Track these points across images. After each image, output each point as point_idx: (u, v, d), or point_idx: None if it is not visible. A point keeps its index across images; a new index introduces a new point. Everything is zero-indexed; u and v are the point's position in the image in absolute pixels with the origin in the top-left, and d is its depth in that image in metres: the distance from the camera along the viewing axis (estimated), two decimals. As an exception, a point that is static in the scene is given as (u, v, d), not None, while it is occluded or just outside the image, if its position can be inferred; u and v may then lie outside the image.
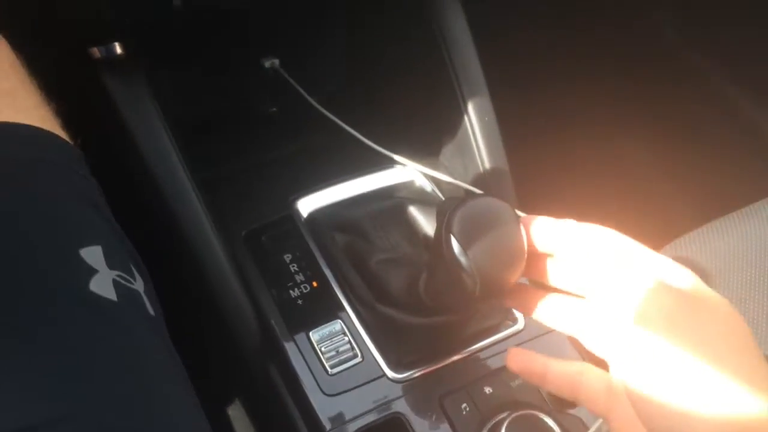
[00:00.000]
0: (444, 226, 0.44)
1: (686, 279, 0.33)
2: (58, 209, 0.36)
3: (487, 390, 0.51)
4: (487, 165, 0.64)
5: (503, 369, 0.52)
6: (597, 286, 0.36)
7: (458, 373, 0.52)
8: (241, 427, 0.76)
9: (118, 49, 0.56)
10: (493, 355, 0.53)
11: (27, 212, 0.34)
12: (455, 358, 0.53)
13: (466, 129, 0.65)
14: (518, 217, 0.43)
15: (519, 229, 0.42)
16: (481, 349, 0.54)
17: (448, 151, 0.69)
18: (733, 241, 0.66)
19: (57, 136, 0.39)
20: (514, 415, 0.47)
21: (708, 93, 1.07)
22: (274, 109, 0.78)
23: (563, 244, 0.38)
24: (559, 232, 0.38)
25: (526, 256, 0.42)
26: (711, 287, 0.58)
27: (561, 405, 0.51)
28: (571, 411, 0.50)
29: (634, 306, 0.32)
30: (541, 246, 0.39)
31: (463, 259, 0.42)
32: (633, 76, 1.12)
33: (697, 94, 1.07)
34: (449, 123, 0.67)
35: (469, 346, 0.53)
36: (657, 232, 0.73)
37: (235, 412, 0.76)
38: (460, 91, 0.65)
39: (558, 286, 0.40)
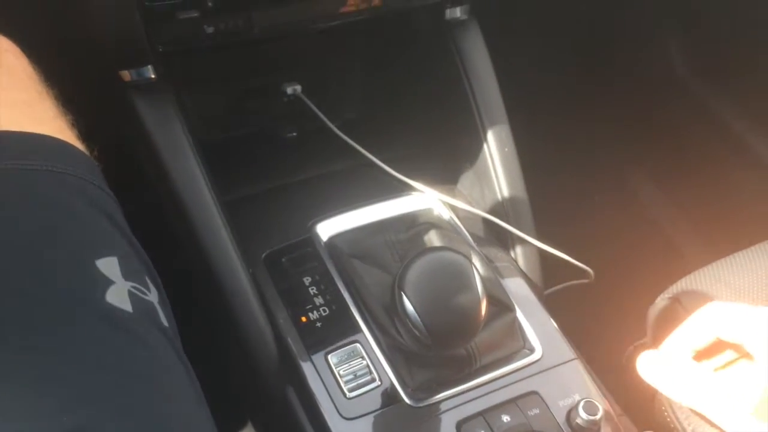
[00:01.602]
0: (396, 281, 0.47)
1: None
2: (75, 220, 0.36)
3: (505, 418, 0.51)
4: (506, 194, 0.65)
5: (521, 397, 0.52)
6: None
7: (476, 400, 0.52)
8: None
9: (152, 73, 0.57)
10: (512, 384, 0.53)
11: (45, 222, 0.34)
12: (473, 384, 0.53)
13: (486, 158, 0.66)
14: (474, 269, 0.45)
15: (474, 283, 0.45)
16: (499, 377, 0.54)
17: (466, 180, 0.70)
18: (746, 276, 0.66)
19: (73, 147, 0.39)
20: (531, 443, 0.47)
21: (719, 130, 1.08)
22: (294, 133, 0.79)
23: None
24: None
25: (483, 309, 0.45)
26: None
27: (578, 435, 0.51)
28: (589, 442, 0.51)
29: None
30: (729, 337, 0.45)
31: (413, 317, 0.45)
32: (645, 113, 1.13)
33: (709, 131, 1.08)
34: (469, 152, 0.68)
35: (487, 374, 0.54)
36: (668, 268, 0.74)
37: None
38: (480, 120, 0.66)
39: None
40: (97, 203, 0.38)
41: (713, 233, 1.04)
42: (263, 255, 0.61)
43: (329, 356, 0.54)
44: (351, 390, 0.52)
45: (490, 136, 0.67)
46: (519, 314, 0.58)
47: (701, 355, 0.49)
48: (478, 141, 0.67)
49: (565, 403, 0.52)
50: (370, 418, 0.51)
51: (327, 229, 0.63)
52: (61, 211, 0.36)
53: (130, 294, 0.35)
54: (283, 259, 0.61)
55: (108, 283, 0.34)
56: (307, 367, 0.53)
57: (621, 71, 1.14)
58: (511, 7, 0.94)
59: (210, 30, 0.57)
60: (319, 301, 0.58)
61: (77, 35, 0.57)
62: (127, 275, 0.36)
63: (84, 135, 0.43)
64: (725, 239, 0.78)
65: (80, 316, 0.33)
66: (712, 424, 0.50)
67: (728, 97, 1.06)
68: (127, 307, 0.35)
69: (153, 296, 0.38)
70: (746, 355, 0.46)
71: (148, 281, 0.38)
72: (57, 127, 0.40)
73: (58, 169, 0.37)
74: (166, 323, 0.37)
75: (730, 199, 1.04)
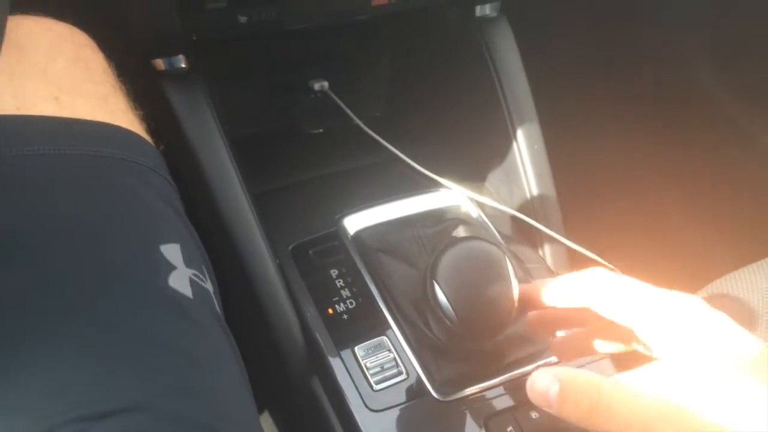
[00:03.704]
0: (428, 270, 0.46)
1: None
2: (142, 206, 0.37)
3: (533, 415, 0.50)
4: (535, 192, 0.65)
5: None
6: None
7: (503, 396, 0.52)
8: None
9: (183, 63, 0.58)
10: (540, 380, 0.53)
11: (114, 206, 0.35)
12: (501, 380, 0.52)
13: (515, 156, 0.66)
14: (507, 259, 0.44)
15: (508, 274, 0.44)
16: (528, 373, 0.53)
17: (494, 177, 0.70)
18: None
19: (144, 139, 0.41)
20: (561, 441, 0.47)
21: (744, 138, 1.06)
22: (321, 130, 0.80)
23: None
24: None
25: (515, 300, 0.44)
26: (757, 325, 0.57)
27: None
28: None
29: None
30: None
31: (444, 306, 0.44)
32: (668, 119, 1.12)
33: (733, 138, 1.07)
34: (497, 149, 0.68)
35: (516, 370, 0.53)
36: (694, 276, 0.73)
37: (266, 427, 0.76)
38: (510, 118, 0.66)
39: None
40: (162, 193, 0.40)
41: (738, 242, 1.02)
42: (290, 247, 0.61)
43: (356, 348, 0.53)
44: (378, 382, 0.52)
45: (520, 133, 0.66)
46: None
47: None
48: (507, 139, 0.67)
49: (595, 401, 0.51)
50: (397, 411, 0.50)
51: (354, 222, 0.63)
52: (130, 196, 0.37)
53: (191, 281, 0.36)
54: (310, 252, 0.61)
55: (171, 268, 0.35)
56: (333, 358, 0.53)
57: (646, 79, 1.14)
58: (540, 7, 0.93)
59: (243, 20, 0.57)
60: (345, 293, 0.57)
61: (109, 22, 0.57)
62: (188, 263, 0.37)
63: (152, 131, 0.44)
64: (750, 249, 0.77)
65: (145, 298, 0.34)
66: None
67: (751, 102, 1.05)
68: (188, 293, 0.35)
69: (209, 286, 0.38)
70: (630, 339, 0.41)
71: (205, 271, 0.39)
72: (128, 119, 0.42)
73: (129, 158, 0.39)
74: (220, 313, 0.38)
75: (754, 207, 1.03)
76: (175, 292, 0.34)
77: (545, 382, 0.35)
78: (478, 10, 0.69)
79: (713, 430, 0.32)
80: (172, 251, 0.36)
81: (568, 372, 0.35)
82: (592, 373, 0.36)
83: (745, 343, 0.34)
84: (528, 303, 0.45)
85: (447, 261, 0.46)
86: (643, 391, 0.35)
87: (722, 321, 0.35)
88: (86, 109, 0.39)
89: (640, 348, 0.41)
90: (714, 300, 0.67)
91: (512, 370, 0.53)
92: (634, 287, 0.38)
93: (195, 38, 0.57)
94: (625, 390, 0.34)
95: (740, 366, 0.33)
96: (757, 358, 0.33)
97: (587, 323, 0.43)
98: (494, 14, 0.69)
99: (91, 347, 0.30)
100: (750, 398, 0.32)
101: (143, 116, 0.44)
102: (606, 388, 0.34)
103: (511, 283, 0.45)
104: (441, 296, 0.45)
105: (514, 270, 0.46)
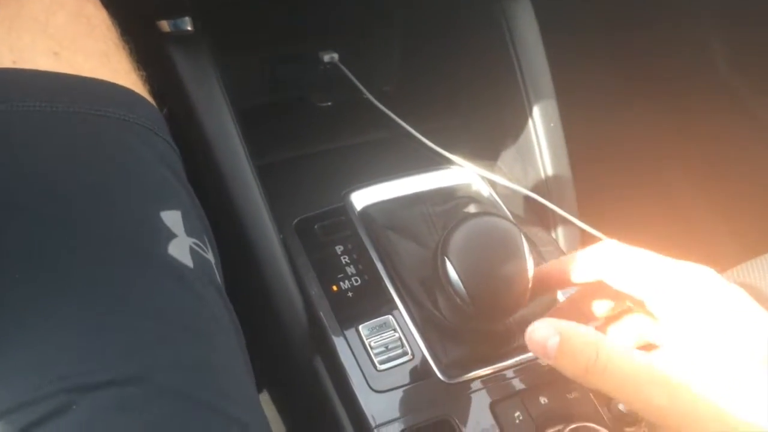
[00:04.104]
0: (440, 246, 0.44)
1: None
2: (143, 169, 0.35)
3: (543, 400, 0.48)
4: (550, 172, 0.62)
5: (560, 380, 0.50)
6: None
7: (512, 380, 0.50)
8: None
9: (189, 26, 0.55)
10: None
11: (114, 168, 0.34)
12: (510, 363, 0.51)
13: (530, 133, 0.63)
14: (523, 237, 0.43)
15: (523, 252, 0.42)
16: (538, 358, 0.51)
17: (507, 155, 0.67)
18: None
19: (147, 101, 0.39)
20: (570, 427, 0.45)
21: (758, 128, 1.04)
22: (329, 103, 0.77)
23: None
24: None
25: (530, 278, 0.42)
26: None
27: (620, 421, 0.48)
28: (630, 429, 0.48)
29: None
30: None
31: (456, 284, 0.42)
32: (684, 106, 1.10)
33: (747, 128, 1.05)
34: (511, 126, 0.65)
35: (525, 353, 0.51)
36: (708, 264, 0.71)
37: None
38: (526, 93, 0.63)
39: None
40: (165, 157, 0.38)
41: (746, 232, 1.00)
42: (294, 221, 0.59)
43: (360, 327, 0.52)
44: (382, 362, 0.50)
45: (536, 110, 0.64)
46: (560, 295, 0.55)
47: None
48: (523, 115, 0.64)
49: (606, 389, 0.50)
50: (401, 392, 0.49)
51: (361, 198, 0.61)
52: (131, 159, 0.35)
53: (191, 250, 0.35)
54: (315, 227, 0.59)
55: (171, 235, 0.34)
56: (337, 337, 0.51)
57: (661, 68, 1.11)
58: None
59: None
60: (351, 270, 0.56)
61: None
62: (189, 231, 0.35)
63: (155, 94, 0.43)
64: (761, 238, 0.75)
65: (143, 266, 0.32)
66: None
67: None
68: (188, 262, 0.34)
69: (210, 256, 0.37)
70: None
71: (207, 240, 0.38)
72: (132, 80, 0.40)
73: (131, 118, 0.37)
74: (221, 284, 0.37)
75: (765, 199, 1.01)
76: (174, 260, 0.33)
77: (546, 332, 0.36)
78: (497, -18, 0.66)
79: (710, 401, 0.32)
80: (172, 218, 0.34)
81: (569, 326, 0.35)
82: (594, 331, 0.36)
83: (758, 320, 0.33)
84: (540, 284, 0.44)
85: (459, 237, 0.44)
86: (643, 356, 0.35)
87: (736, 295, 0.35)
88: (87, 66, 0.37)
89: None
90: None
91: (522, 354, 0.51)
92: (646, 258, 0.38)
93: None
94: (624, 352, 0.34)
95: (747, 343, 0.33)
96: None
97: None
98: (514, -14, 0.67)
99: (83, 317, 0.29)
100: (754, 381, 0.32)
101: (146, 78, 0.42)
102: (605, 348, 0.34)
103: (526, 261, 0.43)
104: (452, 273, 0.43)
105: (530, 248, 0.44)
